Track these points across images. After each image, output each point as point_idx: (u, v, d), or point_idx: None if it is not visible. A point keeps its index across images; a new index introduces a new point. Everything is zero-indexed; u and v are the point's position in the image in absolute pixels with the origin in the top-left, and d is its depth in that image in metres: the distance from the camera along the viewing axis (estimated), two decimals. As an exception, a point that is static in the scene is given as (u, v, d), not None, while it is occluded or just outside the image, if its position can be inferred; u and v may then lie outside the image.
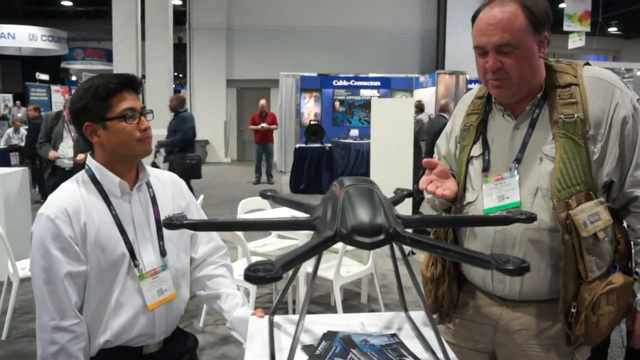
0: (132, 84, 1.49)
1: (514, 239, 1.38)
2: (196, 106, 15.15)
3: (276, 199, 1.42)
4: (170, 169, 5.07)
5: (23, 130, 9.80)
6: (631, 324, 1.41)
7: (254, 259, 3.56)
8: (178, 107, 7.12)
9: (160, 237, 1.55)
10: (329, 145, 10.33)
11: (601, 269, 1.34)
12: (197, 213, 1.70)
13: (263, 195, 1.46)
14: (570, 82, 1.38)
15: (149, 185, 1.57)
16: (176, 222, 1.09)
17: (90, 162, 1.52)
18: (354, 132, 12.81)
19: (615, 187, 1.38)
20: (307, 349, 1.19)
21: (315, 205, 1.25)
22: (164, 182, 1.64)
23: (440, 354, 1.16)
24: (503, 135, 1.46)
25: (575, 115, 1.34)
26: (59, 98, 10.26)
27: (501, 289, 1.43)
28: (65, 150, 5.25)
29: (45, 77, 18.22)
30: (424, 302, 1.20)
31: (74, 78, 19.37)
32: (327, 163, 10.02)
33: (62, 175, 5.25)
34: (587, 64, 1.43)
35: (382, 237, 0.95)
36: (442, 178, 1.47)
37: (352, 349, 1.19)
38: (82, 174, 1.52)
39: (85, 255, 1.43)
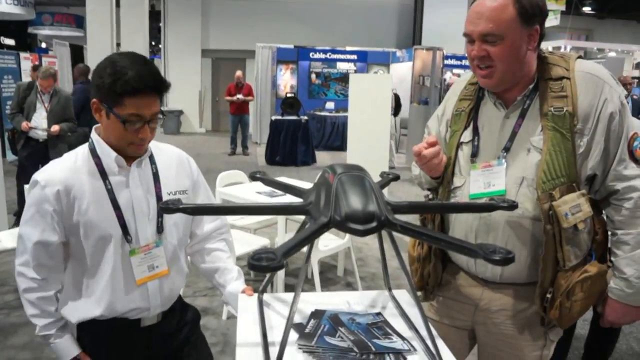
0: (158, 88, 1.42)
1: (498, 224, 1.44)
2: (170, 75, 14.85)
3: (266, 181, 1.45)
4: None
5: None
6: (602, 307, 1.49)
7: (234, 232, 3.59)
8: (78, 78, 6.68)
9: (160, 213, 1.54)
10: (305, 117, 10.32)
11: (578, 257, 1.40)
12: (203, 193, 1.70)
13: (253, 177, 1.48)
14: (562, 75, 1.41)
15: (152, 161, 1.56)
16: (172, 207, 1.11)
17: (93, 134, 1.51)
18: (330, 105, 12.82)
19: (597, 180, 1.43)
20: (297, 327, 1.24)
21: (305, 189, 1.28)
22: (169, 158, 1.62)
23: (423, 331, 1.22)
24: (493, 123, 1.50)
25: (565, 109, 1.37)
26: (29, 66, 9.87)
27: (483, 272, 1.50)
28: (38, 121, 5.14)
29: (11, 42, 17.56)
30: (410, 283, 1.26)
31: (43, 45, 18.71)
32: (303, 135, 10.02)
33: (35, 146, 5.18)
34: (580, 57, 1.46)
35: (374, 224, 1.00)
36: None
37: (340, 327, 1.25)
38: (85, 146, 1.52)
39: (67, 229, 1.46)
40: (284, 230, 3.69)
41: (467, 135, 1.54)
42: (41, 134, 5.14)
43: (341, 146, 11.18)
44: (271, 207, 1.14)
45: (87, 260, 1.48)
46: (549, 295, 1.40)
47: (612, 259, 1.45)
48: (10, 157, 7.74)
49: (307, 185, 4.42)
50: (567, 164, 1.36)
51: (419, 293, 1.68)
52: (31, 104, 5.16)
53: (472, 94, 1.57)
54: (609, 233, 1.47)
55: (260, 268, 0.81)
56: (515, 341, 1.50)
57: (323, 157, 10.63)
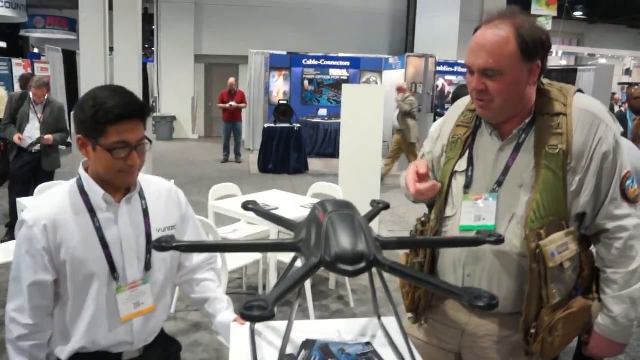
0: (140, 113, 1.43)
1: (486, 256, 1.45)
2: (163, 81, 14.85)
3: (258, 213, 1.48)
4: None
5: None
6: (587, 339, 1.52)
7: (226, 247, 3.61)
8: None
9: (149, 250, 1.54)
10: (298, 125, 10.37)
11: (562, 294, 1.42)
12: (192, 225, 1.70)
13: (245, 207, 1.51)
14: (559, 111, 1.41)
15: (141, 196, 1.57)
16: (165, 245, 1.13)
17: (81, 171, 1.51)
18: (323, 112, 12.85)
19: (587, 217, 1.44)
20: (288, 358, 1.27)
21: (296, 222, 1.31)
22: (159, 191, 1.63)
23: (409, 361, 1.25)
24: (488, 154, 1.50)
25: (559, 147, 1.37)
26: (21, 73, 9.82)
27: None
28: (31, 132, 5.09)
29: (2, 44, 17.45)
30: (397, 316, 1.29)
31: (36, 50, 18.58)
32: (295, 143, 10.05)
33: (28, 157, 5.14)
34: (580, 91, 1.46)
35: (363, 264, 1.02)
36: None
37: (330, 359, 1.28)
38: (73, 183, 1.52)
39: (56, 267, 1.45)
40: (277, 244, 3.70)
41: (461, 165, 1.54)
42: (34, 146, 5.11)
43: (334, 153, 11.20)
44: (263, 245, 1.16)
45: (71, 298, 1.47)
46: (533, 331, 1.42)
47: (601, 295, 1.47)
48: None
49: (299, 197, 4.45)
50: (557, 202, 1.37)
51: (409, 315, 1.71)
52: (24, 114, 5.10)
53: (469, 121, 1.57)
54: (599, 270, 1.48)
55: (252, 318, 0.83)
56: None
57: (316, 165, 10.66)
